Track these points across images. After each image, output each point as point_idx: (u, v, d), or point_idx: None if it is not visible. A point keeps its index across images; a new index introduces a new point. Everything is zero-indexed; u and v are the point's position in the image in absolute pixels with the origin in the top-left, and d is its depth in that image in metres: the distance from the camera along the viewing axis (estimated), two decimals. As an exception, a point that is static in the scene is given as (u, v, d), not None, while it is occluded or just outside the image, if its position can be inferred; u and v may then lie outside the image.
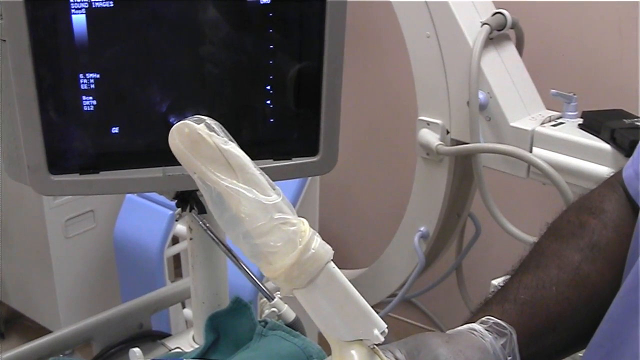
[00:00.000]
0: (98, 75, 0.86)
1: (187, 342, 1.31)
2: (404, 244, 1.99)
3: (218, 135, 0.60)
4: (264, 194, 0.59)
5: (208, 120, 0.61)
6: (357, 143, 2.61)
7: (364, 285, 2.17)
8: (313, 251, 0.59)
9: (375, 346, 0.62)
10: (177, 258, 2.32)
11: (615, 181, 0.87)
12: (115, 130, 0.88)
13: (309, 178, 1.97)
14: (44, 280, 2.34)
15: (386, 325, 0.61)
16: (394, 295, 2.09)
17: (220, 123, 0.91)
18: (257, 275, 1.66)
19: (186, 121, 0.60)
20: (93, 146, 0.89)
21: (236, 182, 0.59)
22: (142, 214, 2.15)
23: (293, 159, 0.94)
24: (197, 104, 0.90)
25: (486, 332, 0.71)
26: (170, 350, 1.28)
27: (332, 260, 0.61)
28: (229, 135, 0.61)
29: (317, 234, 0.60)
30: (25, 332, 2.49)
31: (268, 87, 0.90)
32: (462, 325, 0.74)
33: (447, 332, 0.73)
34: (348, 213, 2.70)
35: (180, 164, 0.91)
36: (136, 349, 1.17)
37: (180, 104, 0.89)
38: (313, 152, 0.94)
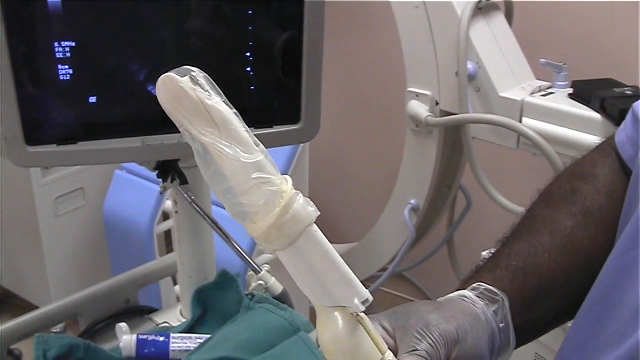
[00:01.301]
0: (73, 43, 0.84)
1: (175, 316, 1.30)
2: (395, 217, 1.99)
3: (203, 88, 0.58)
4: (247, 152, 0.57)
5: (195, 71, 0.59)
6: (347, 116, 2.60)
7: (355, 259, 2.17)
8: (292, 213, 0.58)
9: (359, 314, 0.60)
10: (168, 234, 2.31)
11: (608, 146, 0.85)
12: (92, 99, 0.87)
13: (298, 151, 1.96)
14: (34, 259, 2.33)
15: (369, 295, 0.59)
16: (385, 269, 2.09)
17: (200, 91, 0.90)
18: (245, 248, 1.65)
19: (170, 73, 0.58)
20: (70, 116, 0.87)
21: (218, 139, 0.57)
22: (131, 190, 2.14)
23: (275, 126, 0.92)
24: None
25: (477, 298, 0.70)
26: (157, 325, 1.28)
27: (315, 223, 0.59)
28: (217, 88, 0.58)
29: (301, 194, 0.58)
30: (17, 312, 2.46)
31: (248, 54, 0.88)
32: (452, 292, 0.73)
33: (438, 299, 0.72)
34: (338, 187, 2.69)
35: (159, 134, 0.90)
36: (122, 324, 1.16)
37: (158, 72, 0.87)
38: (295, 119, 0.93)
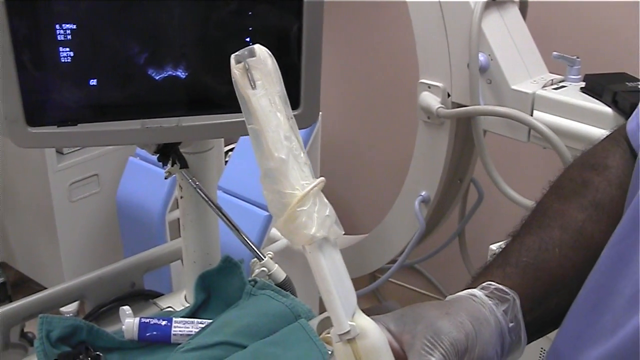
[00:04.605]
0: (75, 26, 0.85)
1: (179, 301, 1.31)
2: (405, 208, 1.98)
3: (252, 77, 0.59)
4: (267, 155, 0.59)
5: (256, 56, 0.60)
6: (359, 107, 2.60)
7: (366, 251, 2.17)
8: (292, 228, 0.59)
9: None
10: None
11: (619, 135, 0.83)
12: (93, 82, 0.88)
13: (309, 143, 1.96)
14: (48, 244, 2.36)
15: (347, 329, 0.59)
16: (395, 260, 2.09)
17: (200, 75, 0.91)
18: (254, 235, 1.66)
19: (233, 55, 0.60)
20: (71, 98, 0.88)
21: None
22: (144, 177, 2.16)
23: (273, 112, 0.92)
24: (175, 56, 0.89)
25: (486, 298, 0.69)
26: (162, 310, 1.29)
27: (315, 242, 0.59)
28: (274, 74, 0.60)
29: (317, 207, 0.59)
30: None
31: (248, 39, 0.89)
32: (462, 290, 0.72)
33: (447, 298, 0.71)
34: (350, 178, 2.70)
35: (158, 117, 0.91)
36: (126, 307, 1.17)
37: (159, 56, 0.88)
38: (294, 105, 0.92)
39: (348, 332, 0.59)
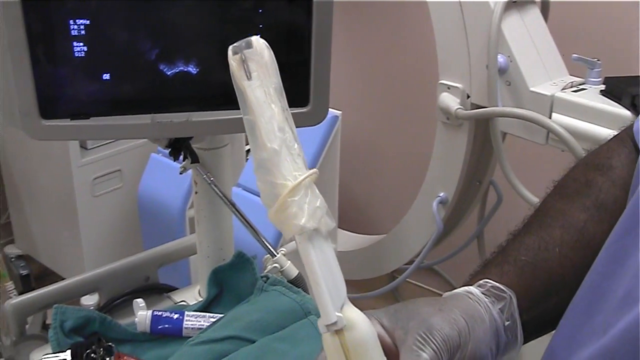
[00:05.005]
0: (88, 21, 0.86)
1: (193, 296, 1.33)
2: (424, 209, 1.98)
3: (248, 69, 0.60)
4: (260, 146, 0.60)
5: (252, 47, 0.61)
6: (379, 108, 2.60)
7: (384, 251, 2.17)
8: (282, 217, 0.59)
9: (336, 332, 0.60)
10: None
11: (626, 135, 0.82)
12: (106, 76, 0.89)
13: (329, 142, 1.96)
14: (71, 238, 2.38)
15: (335, 320, 0.59)
16: (413, 262, 2.09)
17: (210, 71, 0.92)
18: (270, 234, 1.67)
19: (231, 46, 0.61)
20: (84, 92, 0.90)
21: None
22: (166, 173, 2.17)
23: (283, 109, 0.93)
24: (187, 52, 0.90)
25: (483, 296, 0.69)
26: (175, 304, 1.30)
27: (305, 233, 0.60)
28: (270, 66, 0.61)
29: (308, 198, 0.60)
30: (54, 289, 2.54)
31: (258, 36, 0.89)
32: (459, 287, 0.72)
33: (444, 295, 0.71)
34: (369, 178, 2.70)
35: (169, 112, 0.92)
36: (139, 300, 1.19)
37: (170, 52, 0.90)
38: (303, 103, 0.94)
39: (335, 323, 0.59)
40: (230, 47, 0.60)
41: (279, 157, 0.59)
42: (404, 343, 0.63)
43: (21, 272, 2.51)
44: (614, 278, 0.65)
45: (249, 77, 0.60)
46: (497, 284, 0.70)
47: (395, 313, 0.66)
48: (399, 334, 0.64)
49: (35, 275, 2.59)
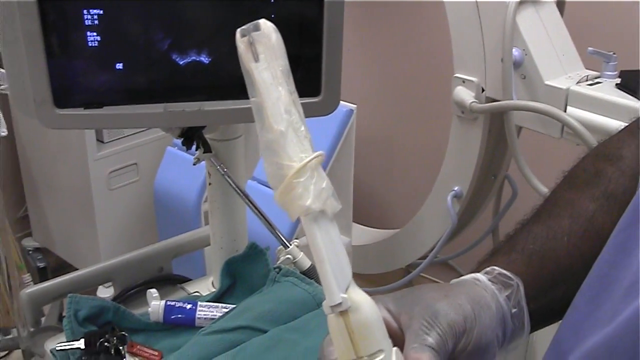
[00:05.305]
0: (102, 11, 0.87)
1: (206, 287, 1.33)
2: (438, 203, 1.98)
3: (256, 51, 0.61)
4: (266, 126, 0.60)
5: (260, 30, 0.61)
6: (394, 101, 2.60)
7: (399, 245, 2.18)
8: (289, 199, 0.60)
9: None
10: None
11: (636, 126, 0.81)
12: (119, 66, 0.90)
13: (344, 135, 1.97)
14: (87, 231, 2.40)
15: (339, 301, 0.59)
16: (427, 256, 2.09)
17: (222, 61, 0.92)
18: (284, 226, 1.67)
19: (239, 29, 0.61)
20: (97, 81, 0.90)
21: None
22: (181, 167, 2.18)
23: (294, 99, 0.94)
24: (199, 43, 0.91)
25: (489, 282, 0.69)
26: (189, 294, 1.31)
27: (311, 214, 0.60)
28: (278, 48, 0.61)
29: (315, 179, 0.60)
30: (71, 281, 2.56)
31: (270, 27, 0.90)
32: (467, 274, 0.72)
33: (451, 281, 0.71)
34: (383, 172, 2.70)
35: (181, 101, 0.93)
36: (153, 290, 1.20)
37: (183, 42, 0.90)
38: (315, 92, 0.94)
39: (339, 304, 0.59)
40: (239, 30, 0.61)
41: (285, 138, 0.60)
42: (410, 328, 0.63)
43: (38, 264, 2.54)
44: (621, 267, 0.65)
45: (256, 59, 0.60)
46: (504, 271, 0.70)
47: (402, 298, 0.66)
48: (404, 318, 0.64)
49: (52, 268, 2.62)
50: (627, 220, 0.67)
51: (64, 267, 2.61)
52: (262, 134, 0.61)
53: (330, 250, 0.60)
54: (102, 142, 2.29)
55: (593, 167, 0.79)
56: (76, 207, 2.41)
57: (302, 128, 0.61)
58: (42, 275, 2.54)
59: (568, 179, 0.81)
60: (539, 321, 0.72)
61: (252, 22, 0.61)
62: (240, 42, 0.61)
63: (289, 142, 0.60)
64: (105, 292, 1.58)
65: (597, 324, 0.64)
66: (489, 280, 0.69)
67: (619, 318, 0.60)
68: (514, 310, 0.69)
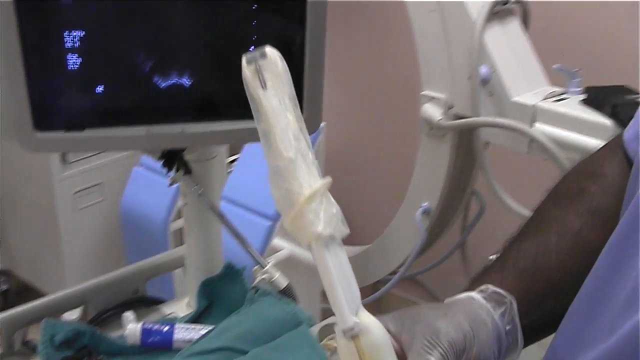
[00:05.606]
0: (83, 33, 0.86)
1: (182, 308, 1.32)
2: (407, 219, 1.99)
3: (263, 78, 0.61)
4: (276, 155, 0.60)
5: (267, 57, 0.62)
6: (362, 118, 2.61)
7: (368, 262, 2.18)
8: (299, 224, 0.60)
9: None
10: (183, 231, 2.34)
11: (615, 144, 0.84)
12: (100, 89, 0.89)
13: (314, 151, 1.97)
14: (52, 252, 2.37)
15: (351, 325, 0.60)
16: (395, 272, 2.09)
17: (204, 83, 0.92)
18: (257, 243, 1.67)
19: (245, 56, 0.61)
20: (78, 104, 0.90)
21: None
22: (148, 186, 2.17)
23: (276, 119, 0.94)
24: (180, 64, 0.90)
25: (484, 301, 0.70)
26: (164, 316, 1.30)
27: (322, 240, 0.61)
28: (284, 76, 0.62)
29: (324, 204, 0.61)
30: (35, 304, 2.52)
31: (251, 49, 0.90)
32: (460, 294, 0.73)
33: (445, 300, 0.72)
34: (352, 188, 2.70)
35: (163, 123, 0.92)
36: (129, 313, 1.18)
37: (164, 64, 0.90)
38: (296, 113, 0.95)
39: (352, 328, 0.60)
40: (244, 57, 0.61)
41: (294, 165, 0.60)
42: (412, 347, 0.64)
43: (1, 287, 2.50)
44: (616, 281, 0.67)
45: (264, 87, 0.61)
46: (498, 290, 0.72)
47: (401, 318, 0.67)
48: (405, 338, 0.65)
49: (14, 290, 2.58)
50: (619, 237, 0.69)
51: (27, 290, 2.57)
52: (271, 161, 0.61)
53: (341, 274, 0.61)
54: (67, 162, 2.26)
55: (577, 185, 0.82)
56: (40, 228, 2.38)
57: (310, 154, 0.61)
58: (4, 298, 2.50)
59: (552, 197, 0.83)
60: (531, 335, 0.73)
61: (257, 50, 0.61)
62: (247, 70, 0.61)
63: (299, 168, 0.60)
64: (71, 315, 1.56)
65: (597, 335, 0.66)
66: (484, 298, 0.71)
67: (620, 329, 0.61)
68: (508, 327, 0.70)
